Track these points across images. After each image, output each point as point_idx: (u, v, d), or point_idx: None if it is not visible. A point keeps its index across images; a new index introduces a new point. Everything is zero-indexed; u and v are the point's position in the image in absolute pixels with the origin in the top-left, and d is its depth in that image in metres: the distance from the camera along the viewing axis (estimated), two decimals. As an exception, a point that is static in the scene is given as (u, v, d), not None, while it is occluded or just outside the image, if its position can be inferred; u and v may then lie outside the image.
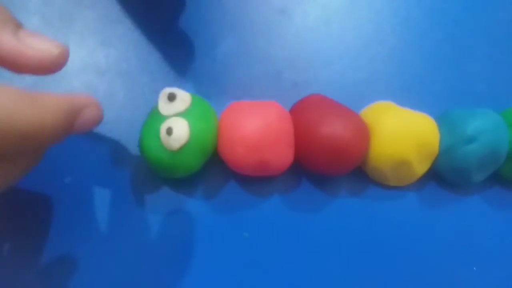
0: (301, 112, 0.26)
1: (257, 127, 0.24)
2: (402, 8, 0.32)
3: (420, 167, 0.26)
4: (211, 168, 0.26)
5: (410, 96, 0.29)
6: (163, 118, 0.23)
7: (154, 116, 0.24)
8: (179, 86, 0.25)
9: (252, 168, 0.25)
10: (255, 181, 0.27)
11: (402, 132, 0.25)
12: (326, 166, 0.25)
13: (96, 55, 0.28)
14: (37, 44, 0.19)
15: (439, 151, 0.26)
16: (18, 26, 0.19)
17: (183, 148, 0.23)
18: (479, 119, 0.26)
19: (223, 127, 0.25)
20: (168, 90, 0.24)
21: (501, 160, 0.27)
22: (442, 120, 0.27)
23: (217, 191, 0.27)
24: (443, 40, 0.31)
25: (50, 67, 0.19)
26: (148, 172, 0.26)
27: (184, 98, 0.24)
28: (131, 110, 0.27)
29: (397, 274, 0.26)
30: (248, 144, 0.24)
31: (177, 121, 0.23)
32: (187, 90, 0.24)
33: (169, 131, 0.23)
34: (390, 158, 0.26)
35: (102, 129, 0.26)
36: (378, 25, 0.31)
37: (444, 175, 0.28)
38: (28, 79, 0.24)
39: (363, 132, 0.25)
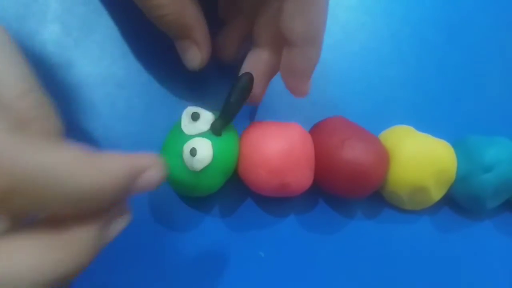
0: (322, 134, 0.26)
1: (280, 150, 0.24)
2: (422, 30, 0.32)
3: (437, 193, 0.27)
4: (228, 187, 0.26)
5: (427, 119, 0.29)
6: (186, 137, 0.23)
7: (176, 135, 0.24)
8: (198, 103, 0.25)
9: (272, 190, 0.25)
10: (273, 200, 0.27)
11: (421, 159, 0.26)
12: (346, 190, 0.26)
13: (116, 67, 0.27)
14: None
15: (456, 178, 0.27)
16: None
17: (205, 168, 0.23)
18: (496, 148, 0.26)
19: (245, 148, 0.24)
20: (191, 109, 0.24)
21: (515, 188, 0.27)
22: (459, 146, 0.27)
23: (234, 210, 0.27)
24: (462, 65, 0.31)
25: None
26: (167, 189, 0.26)
27: (207, 118, 0.24)
28: (150, 124, 0.27)
29: (408, 297, 0.27)
30: (271, 167, 0.24)
31: (201, 142, 0.23)
32: (207, 107, 0.24)
33: (193, 152, 0.22)
34: (408, 183, 0.26)
35: (120, 143, 0.26)
36: (398, 46, 0.31)
37: (458, 201, 0.28)
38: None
39: (383, 158, 0.25)
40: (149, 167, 0.18)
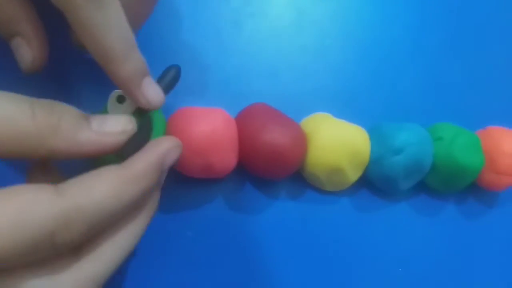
0: (245, 119, 0.28)
1: (203, 132, 0.25)
2: (345, 27, 0.34)
3: (352, 174, 0.29)
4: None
5: (347, 108, 0.32)
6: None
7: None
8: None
9: (197, 171, 0.26)
10: (201, 182, 0.28)
11: (336, 142, 0.28)
12: (266, 170, 0.27)
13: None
14: (111, 128, 0.20)
15: (370, 160, 0.29)
16: (86, 118, 0.19)
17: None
18: (406, 133, 0.29)
19: (170, 131, 0.26)
20: (117, 92, 0.25)
21: (426, 170, 0.30)
22: (373, 132, 0.30)
23: (163, 191, 0.28)
24: (380, 58, 0.34)
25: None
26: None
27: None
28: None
29: (328, 273, 0.29)
30: (194, 148, 0.25)
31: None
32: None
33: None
34: (325, 165, 0.28)
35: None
36: (322, 42, 0.33)
37: (374, 183, 0.30)
38: None
39: (301, 140, 0.27)
40: (171, 149, 0.22)
